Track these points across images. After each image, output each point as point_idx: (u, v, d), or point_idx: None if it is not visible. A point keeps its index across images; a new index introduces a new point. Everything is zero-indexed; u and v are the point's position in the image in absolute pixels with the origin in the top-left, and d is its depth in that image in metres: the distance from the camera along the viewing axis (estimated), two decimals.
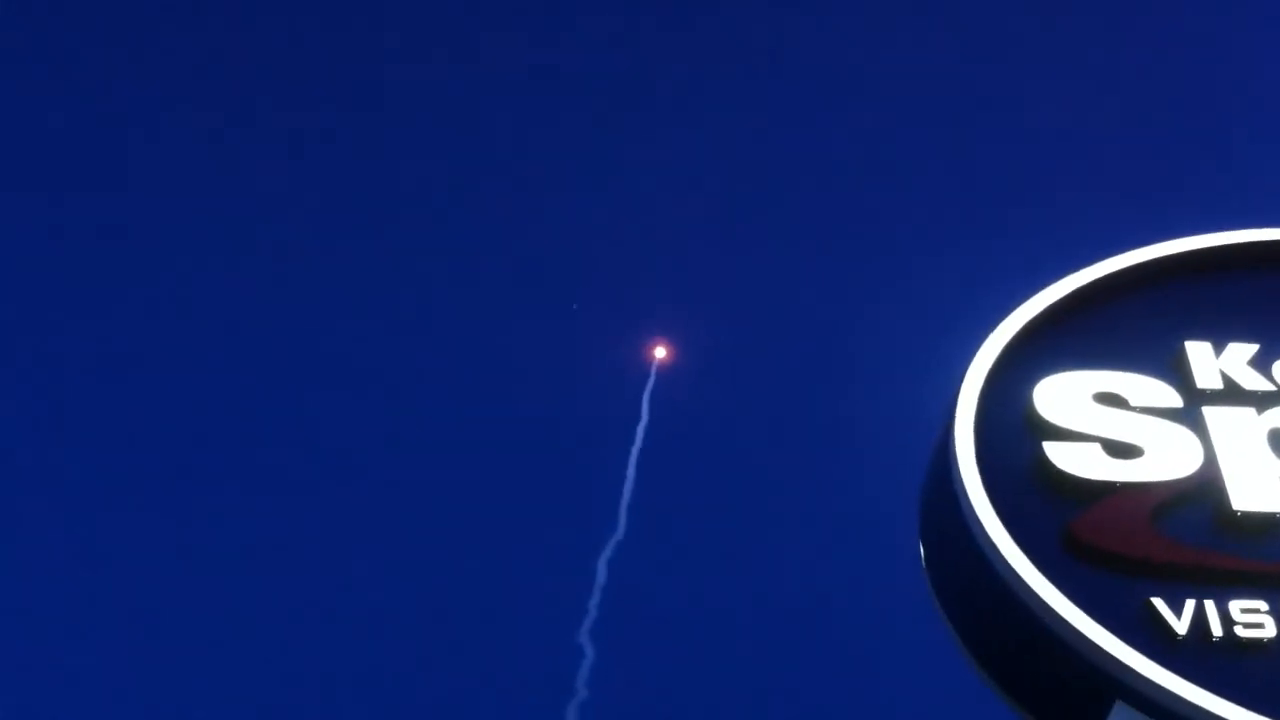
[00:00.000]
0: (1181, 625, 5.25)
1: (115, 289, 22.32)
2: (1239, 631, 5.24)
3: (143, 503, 20.93)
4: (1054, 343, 6.23)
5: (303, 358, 22.21)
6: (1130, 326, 6.32)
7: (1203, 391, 6.04)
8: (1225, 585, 5.37)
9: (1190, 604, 5.30)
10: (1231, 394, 6.02)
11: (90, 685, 19.50)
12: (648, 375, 22.62)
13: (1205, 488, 5.70)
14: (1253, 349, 6.17)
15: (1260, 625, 5.26)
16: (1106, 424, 5.91)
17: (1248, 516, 5.61)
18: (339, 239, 23.15)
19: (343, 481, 21.47)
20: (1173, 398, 6.02)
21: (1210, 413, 5.94)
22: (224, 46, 23.28)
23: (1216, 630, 5.25)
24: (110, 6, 23.25)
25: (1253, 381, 6.06)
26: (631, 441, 22.02)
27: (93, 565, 20.30)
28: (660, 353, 22.86)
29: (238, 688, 19.48)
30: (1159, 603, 5.31)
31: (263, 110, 23.40)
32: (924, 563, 6.15)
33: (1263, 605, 5.32)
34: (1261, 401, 5.98)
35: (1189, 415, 5.94)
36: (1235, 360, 6.14)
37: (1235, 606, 5.30)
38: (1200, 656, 5.16)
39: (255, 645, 19.85)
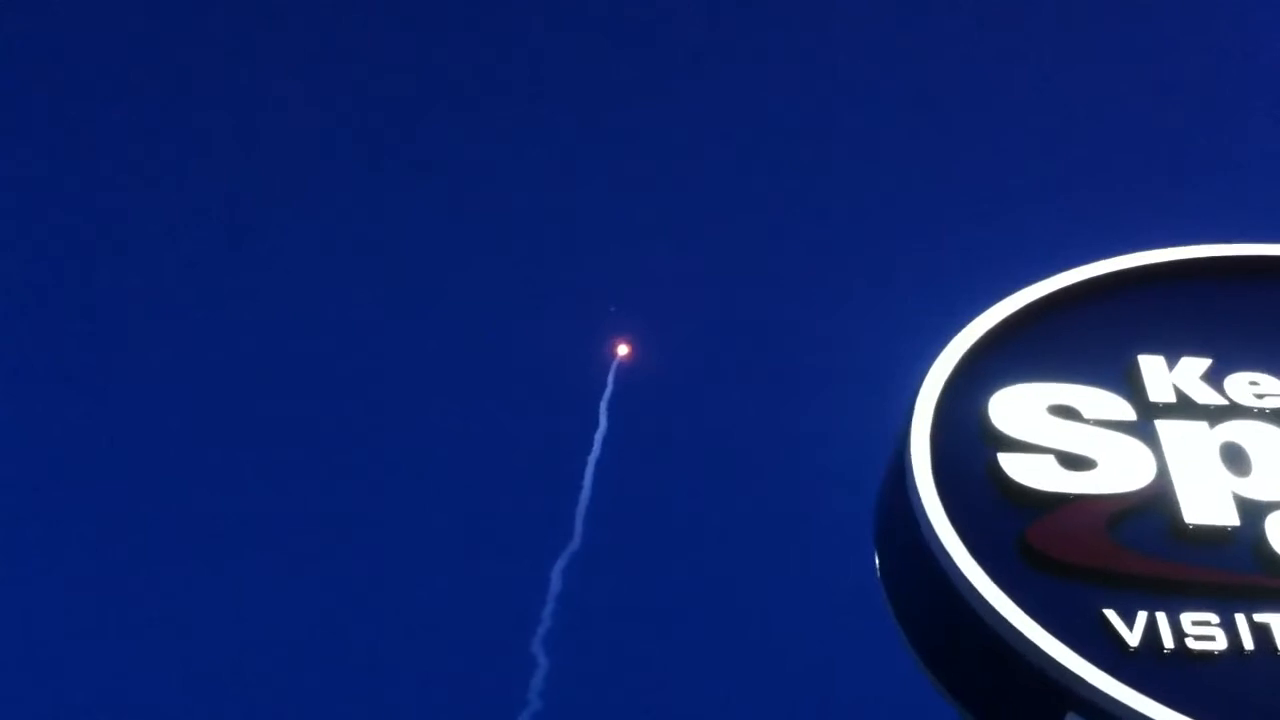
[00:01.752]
0: (1133, 637, 5.27)
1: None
2: (1190, 643, 5.27)
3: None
4: (1009, 355, 6.26)
5: (248, 366, 22.05)
6: (1084, 339, 6.36)
7: (1155, 405, 6.08)
8: (1177, 597, 5.40)
9: (1142, 615, 5.33)
10: (1184, 408, 6.07)
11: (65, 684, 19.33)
12: (606, 383, 22.61)
13: (1158, 500, 5.74)
14: (1205, 363, 6.22)
15: (1211, 638, 5.30)
16: (1060, 436, 5.94)
17: (1199, 529, 5.65)
18: (282, 246, 23.03)
19: (293, 487, 21.33)
20: (1126, 411, 6.06)
21: (1163, 426, 5.98)
22: (181, 43, 23.13)
23: (1168, 642, 5.27)
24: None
25: (1205, 395, 6.11)
26: (589, 449, 22.00)
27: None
28: (619, 359, 22.85)
29: (192, 698, 19.31)
30: (1111, 614, 5.33)
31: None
32: (879, 572, 6.16)
33: (1214, 618, 5.35)
34: (1214, 415, 6.03)
35: (1142, 428, 5.98)
36: (1188, 374, 6.19)
37: (1187, 619, 5.34)
38: (1152, 668, 5.19)
39: (206, 657, 19.67)
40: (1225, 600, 5.41)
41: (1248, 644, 5.30)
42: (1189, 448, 5.90)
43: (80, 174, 22.78)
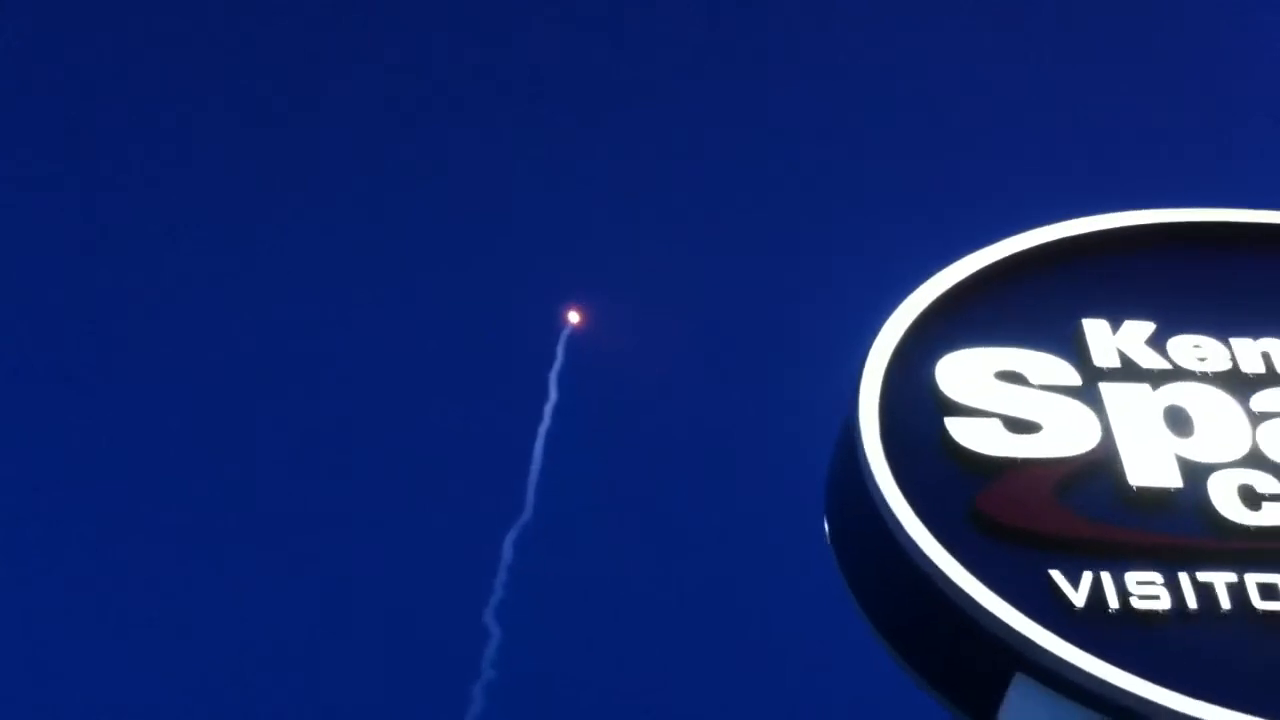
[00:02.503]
0: (1079, 597, 5.34)
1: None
2: (1135, 603, 5.34)
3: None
4: (956, 320, 6.30)
5: (194, 326, 21.86)
6: (1031, 305, 6.41)
7: (1100, 369, 6.14)
8: (1122, 558, 5.47)
9: (1088, 576, 5.40)
10: (1128, 372, 6.13)
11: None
12: (555, 354, 22.58)
13: (1104, 463, 5.80)
14: (1150, 327, 6.28)
15: (1156, 597, 5.38)
16: (1007, 401, 6.00)
17: (1144, 491, 5.72)
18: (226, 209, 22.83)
19: (238, 456, 21.20)
20: (1071, 375, 6.12)
21: (1108, 389, 6.05)
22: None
23: (1113, 602, 5.35)
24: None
25: (1149, 359, 6.18)
26: (539, 420, 21.98)
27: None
28: (570, 327, 22.82)
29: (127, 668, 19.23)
30: (1057, 575, 5.40)
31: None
32: (829, 538, 6.20)
33: (1158, 577, 5.43)
34: (1157, 379, 6.10)
35: (1087, 392, 6.04)
36: (1132, 338, 6.25)
37: (1131, 579, 5.41)
38: (1098, 628, 5.26)
39: (152, 627, 19.57)
40: (1169, 561, 5.49)
41: (1191, 603, 5.38)
42: (1133, 411, 5.97)
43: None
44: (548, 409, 22.08)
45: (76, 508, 20.52)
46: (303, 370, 21.98)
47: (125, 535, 20.32)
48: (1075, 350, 6.20)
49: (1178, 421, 5.95)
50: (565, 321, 22.66)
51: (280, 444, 21.47)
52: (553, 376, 22.36)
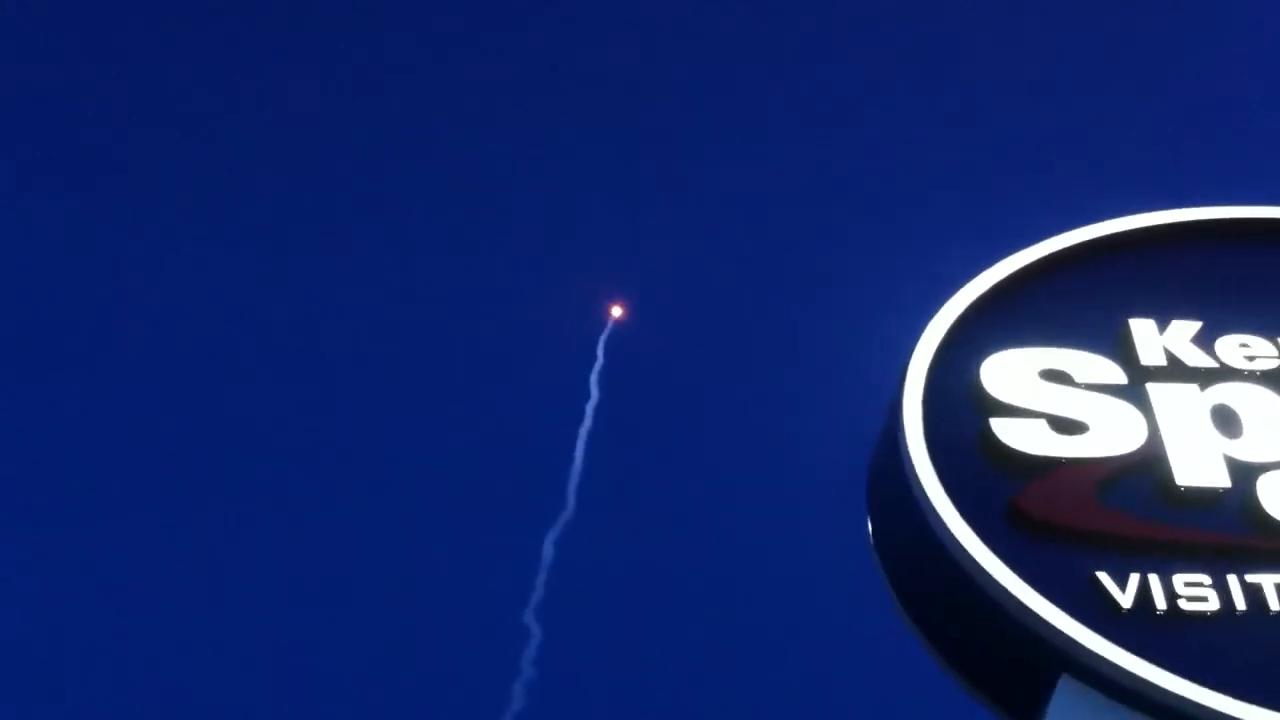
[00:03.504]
0: (1126, 598, 5.30)
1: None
2: (1183, 605, 5.30)
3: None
4: (1000, 320, 6.27)
5: (236, 326, 21.99)
6: (1075, 304, 6.37)
7: (1146, 368, 6.09)
8: (1169, 558, 5.43)
9: (1135, 577, 5.36)
10: (1175, 371, 6.08)
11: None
12: (596, 354, 22.61)
13: (1149, 463, 5.76)
14: (1196, 326, 6.23)
15: (1204, 598, 5.33)
16: (1052, 400, 5.96)
17: (1191, 491, 5.68)
18: (269, 205, 22.96)
19: (280, 459, 21.32)
20: (1117, 374, 6.08)
21: (1154, 389, 6.00)
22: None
23: (1160, 603, 5.30)
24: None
25: (1196, 358, 6.13)
26: (580, 420, 22.01)
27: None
28: (609, 330, 22.84)
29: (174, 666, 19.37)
30: (1103, 576, 5.36)
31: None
32: (872, 538, 6.18)
33: (1206, 579, 5.38)
34: (1204, 378, 6.05)
35: (1133, 392, 5.99)
36: (1179, 337, 6.20)
37: (1179, 580, 5.37)
38: (1145, 629, 5.22)
39: (198, 622, 19.70)
40: (1217, 561, 5.44)
41: (1240, 604, 5.33)
42: (1180, 410, 5.92)
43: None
44: (589, 408, 22.11)
45: (131, 517, 20.69)
46: (346, 370, 22.10)
47: (178, 537, 20.47)
48: (1121, 349, 6.16)
49: (1225, 421, 5.89)
50: (608, 316, 22.68)
51: (322, 444, 21.60)
52: (593, 376, 22.40)
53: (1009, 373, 6.04)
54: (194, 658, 19.44)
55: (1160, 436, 5.83)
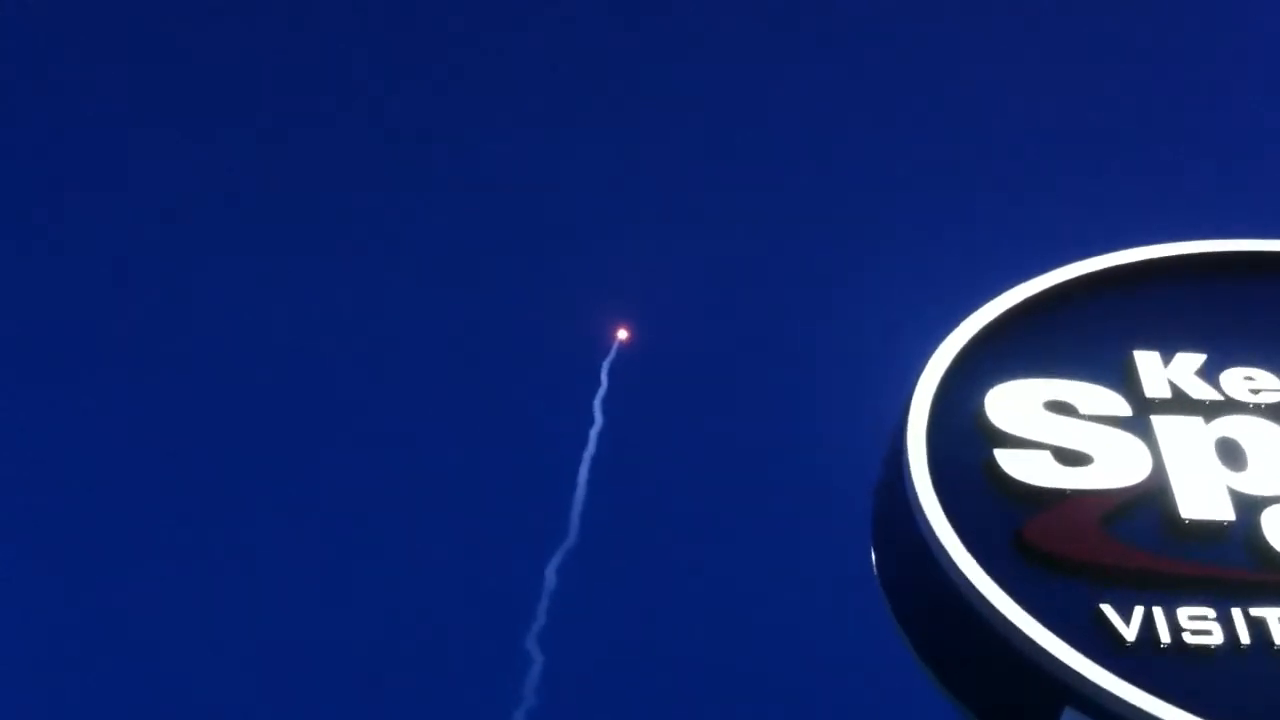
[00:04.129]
0: (1130, 632, 5.30)
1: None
2: (1187, 638, 5.30)
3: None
4: (1005, 351, 6.27)
5: (237, 366, 22.02)
6: (1080, 335, 6.38)
7: (1151, 400, 6.09)
8: (1174, 592, 5.43)
9: (1139, 611, 5.35)
10: (1180, 403, 6.09)
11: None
12: (600, 380, 22.61)
13: (1154, 496, 5.76)
14: (1200, 359, 6.24)
15: (1208, 632, 5.32)
16: (1057, 432, 5.96)
17: (1195, 524, 5.67)
18: (279, 228, 23.00)
19: (287, 486, 21.31)
20: (1122, 406, 6.08)
21: (1159, 421, 6.00)
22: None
23: (1165, 637, 5.30)
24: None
25: (1200, 391, 6.13)
26: (584, 445, 22.00)
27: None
28: (613, 356, 22.84)
29: (183, 697, 19.31)
30: (1108, 609, 5.35)
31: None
32: (876, 569, 6.17)
33: (1210, 612, 5.38)
34: (1209, 411, 6.05)
35: (1138, 424, 6.00)
36: (1183, 370, 6.21)
37: (1183, 613, 5.36)
38: (1149, 663, 5.21)
39: (203, 651, 19.65)
40: (1221, 595, 5.44)
41: (1244, 638, 5.32)
42: (1185, 443, 5.92)
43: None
44: (593, 434, 22.10)
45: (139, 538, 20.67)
46: (350, 395, 22.10)
47: (158, 549, 20.44)
48: (1126, 381, 6.16)
49: (1230, 454, 5.89)
50: (612, 342, 22.69)
51: (326, 470, 21.58)
52: (597, 402, 22.40)
53: (1013, 403, 6.04)
54: (197, 680, 19.39)
55: (1165, 469, 5.83)
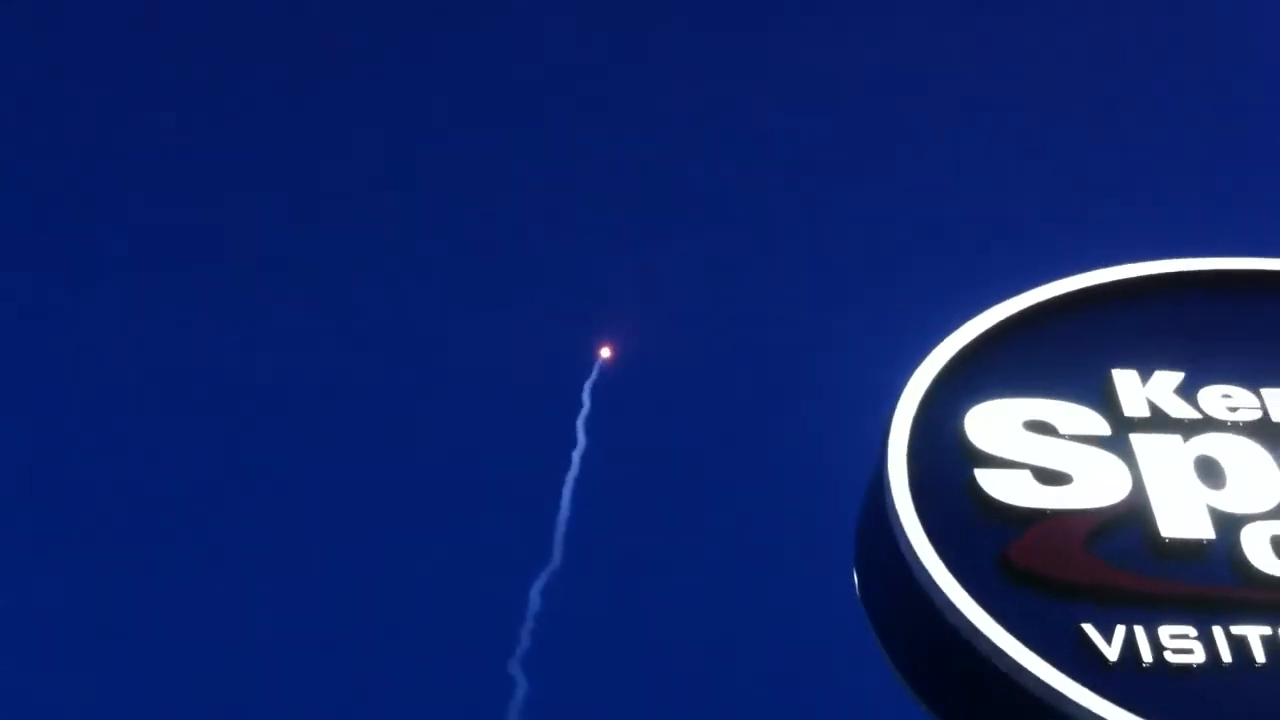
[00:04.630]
0: (1112, 651, 5.31)
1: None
2: (1169, 657, 5.31)
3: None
4: (984, 370, 6.29)
5: (210, 370, 21.94)
6: (1059, 355, 6.39)
7: (1130, 419, 6.11)
8: (1155, 611, 5.44)
9: (1121, 630, 5.36)
10: (1158, 421, 6.11)
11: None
12: (582, 401, 22.60)
13: (1134, 515, 5.77)
14: (1179, 377, 6.26)
15: (1190, 650, 5.34)
16: (1037, 451, 5.97)
17: (1176, 543, 5.69)
18: (260, 241, 22.96)
19: (266, 505, 21.23)
20: (1101, 425, 6.09)
21: (1138, 440, 6.02)
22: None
23: (1147, 656, 5.31)
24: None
25: (1179, 409, 6.15)
26: (567, 467, 21.97)
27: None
28: (595, 377, 22.84)
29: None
30: (1090, 628, 5.36)
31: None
32: (859, 590, 6.18)
33: (1192, 630, 5.39)
34: (1188, 429, 6.07)
35: (1117, 443, 6.01)
36: (1162, 388, 6.23)
37: (1165, 632, 5.37)
38: (1131, 682, 5.22)
39: (179, 676, 19.55)
40: (1203, 613, 5.45)
41: (1226, 656, 5.34)
42: (1164, 461, 5.94)
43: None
44: (575, 456, 22.08)
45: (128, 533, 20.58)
46: (329, 415, 22.04)
47: (151, 550, 20.37)
48: (1105, 400, 6.18)
49: (1209, 472, 5.91)
50: (594, 362, 22.68)
51: (307, 489, 21.51)
52: (580, 423, 22.38)
53: (993, 423, 6.06)
54: (168, 691, 19.30)
55: (1145, 488, 5.85)
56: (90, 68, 22.85)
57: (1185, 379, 6.24)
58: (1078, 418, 6.11)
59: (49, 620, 19.68)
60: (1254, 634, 5.40)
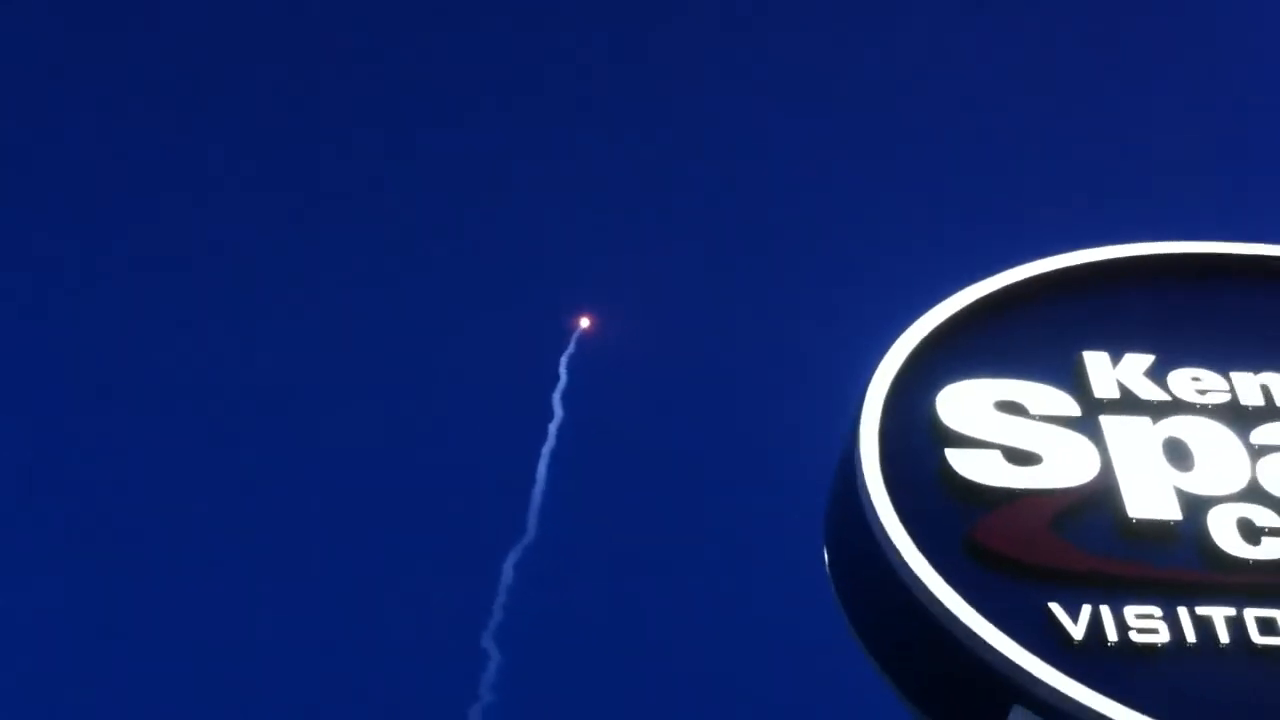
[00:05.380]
0: (1078, 630, 5.34)
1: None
2: (1134, 637, 5.35)
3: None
4: (956, 351, 6.31)
5: (200, 351, 21.89)
6: (1030, 336, 6.42)
7: (1100, 401, 6.14)
8: (1121, 591, 5.48)
9: (1087, 609, 5.40)
10: (1128, 403, 6.14)
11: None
12: (559, 374, 22.57)
13: (1103, 495, 5.81)
14: (1149, 359, 6.29)
15: (1155, 630, 5.38)
16: (1007, 432, 6.00)
17: (1143, 524, 5.72)
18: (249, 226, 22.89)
19: (241, 480, 21.19)
20: (1071, 407, 6.12)
21: (1107, 422, 6.05)
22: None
23: (1112, 635, 5.35)
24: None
25: (1149, 391, 6.19)
26: (543, 440, 21.96)
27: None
28: (573, 345, 22.81)
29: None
30: (1056, 608, 5.40)
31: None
32: (828, 567, 6.20)
33: (1157, 611, 5.43)
34: (1157, 411, 6.11)
35: (1087, 424, 6.05)
36: (1132, 370, 6.26)
37: (1130, 612, 5.41)
38: (1096, 661, 5.26)
39: (156, 640, 19.55)
40: (1168, 594, 5.50)
41: (1190, 637, 5.38)
42: (1133, 443, 5.98)
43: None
44: (552, 428, 22.07)
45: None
46: (304, 389, 22.00)
47: (139, 545, 20.35)
48: (1075, 382, 6.21)
49: (1177, 454, 5.95)
50: (571, 335, 22.65)
51: (282, 463, 21.48)
52: (556, 396, 22.37)
53: (964, 404, 6.08)
54: (152, 675, 19.29)
55: (1113, 469, 5.88)
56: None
57: (1156, 361, 6.27)
58: (1048, 399, 6.13)
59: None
60: (1219, 615, 5.44)
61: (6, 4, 22.80)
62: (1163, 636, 5.37)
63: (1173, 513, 5.76)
